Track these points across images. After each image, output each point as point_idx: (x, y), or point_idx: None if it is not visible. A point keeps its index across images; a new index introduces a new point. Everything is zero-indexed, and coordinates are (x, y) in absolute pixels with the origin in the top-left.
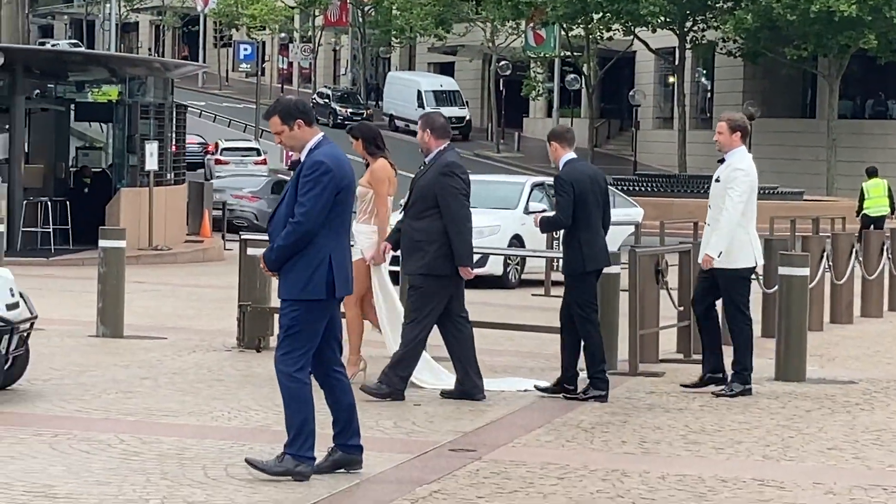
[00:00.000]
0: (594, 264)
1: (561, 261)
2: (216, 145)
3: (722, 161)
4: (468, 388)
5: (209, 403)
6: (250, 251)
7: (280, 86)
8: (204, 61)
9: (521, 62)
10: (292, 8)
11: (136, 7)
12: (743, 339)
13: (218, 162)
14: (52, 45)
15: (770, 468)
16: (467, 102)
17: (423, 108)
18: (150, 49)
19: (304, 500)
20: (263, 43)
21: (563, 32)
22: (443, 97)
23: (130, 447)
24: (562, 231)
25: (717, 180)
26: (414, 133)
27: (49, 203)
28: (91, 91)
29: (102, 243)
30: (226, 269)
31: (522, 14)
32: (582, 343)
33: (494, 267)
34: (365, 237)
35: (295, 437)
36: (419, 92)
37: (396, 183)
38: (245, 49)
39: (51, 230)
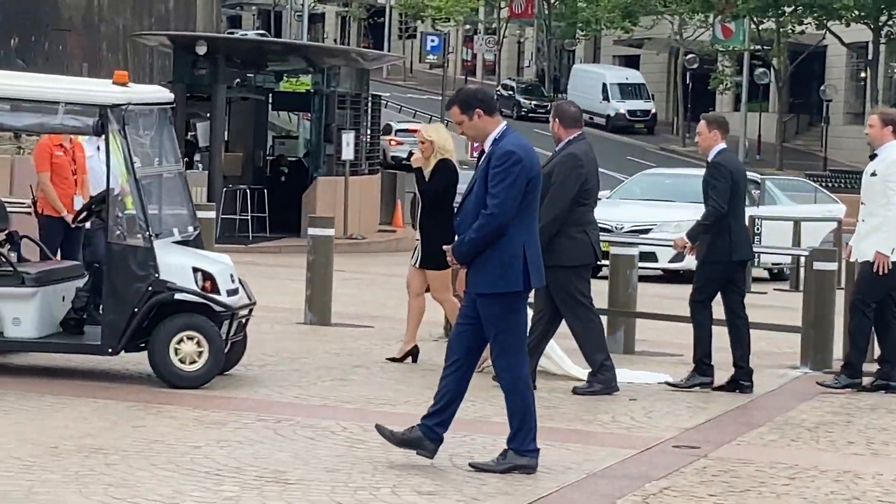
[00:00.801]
0: (740, 254)
1: (701, 245)
2: (388, 126)
3: (874, 156)
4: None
5: (423, 393)
6: None
7: (464, 77)
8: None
9: (708, 55)
10: (477, 0)
11: None
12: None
13: (393, 143)
14: (241, 35)
15: None
16: (653, 96)
17: (609, 101)
18: (335, 40)
19: (533, 493)
20: (448, 35)
21: (752, 26)
22: (628, 90)
23: (354, 435)
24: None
25: (874, 174)
26: (597, 126)
27: (248, 191)
28: (287, 80)
29: (312, 231)
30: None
31: (712, 7)
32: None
33: (692, 261)
34: None
35: (517, 432)
36: (604, 85)
37: None
38: (432, 40)
39: (249, 218)
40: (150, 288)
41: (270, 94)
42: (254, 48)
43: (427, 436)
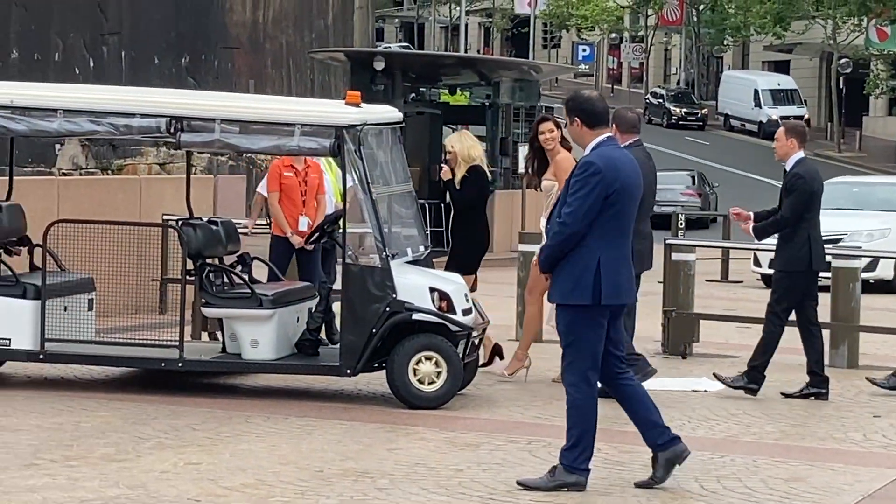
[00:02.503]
0: (818, 264)
1: (778, 256)
2: None
3: None
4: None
5: (665, 412)
6: (675, 256)
7: (610, 86)
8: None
9: (862, 59)
10: (623, 7)
11: (466, 10)
12: None
13: None
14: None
15: None
16: (805, 101)
17: (760, 107)
18: (478, 51)
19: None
20: (596, 44)
21: None
22: (780, 96)
23: (610, 456)
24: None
25: None
26: (749, 133)
27: (426, 205)
28: (441, 93)
29: (522, 247)
30: None
31: (869, 10)
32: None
33: (884, 271)
34: None
35: (572, 448)
36: (756, 91)
37: None
38: (583, 50)
39: (427, 232)
40: (387, 308)
41: (443, 108)
42: (429, 62)
43: (670, 445)
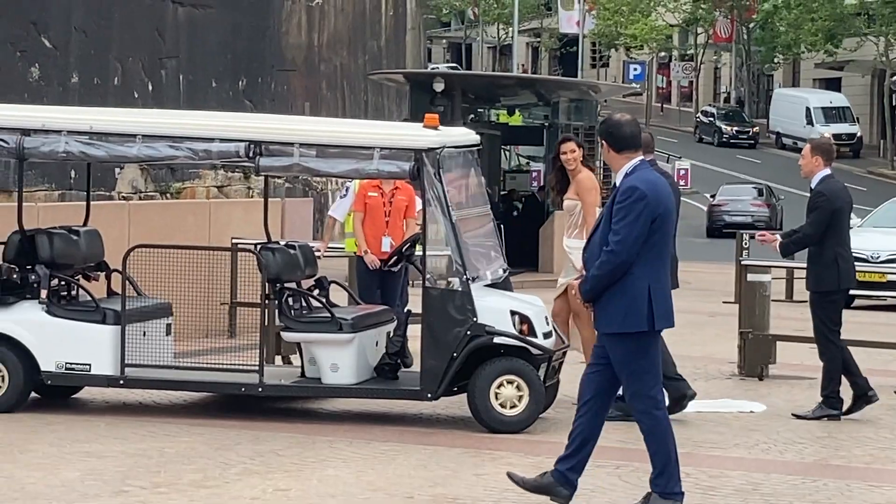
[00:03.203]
0: (847, 282)
1: (808, 277)
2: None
3: None
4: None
5: (749, 436)
6: (750, 277)
7: (659, 105)
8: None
9: None
10: (672, 26)
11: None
12: None
13: None
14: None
15: None
16: (857, 119)
17: (812, 125)
18: (525, 70)
19: None
20: (648, 63)
21: None
22: (832, 114)
23: (701, 481)
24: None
25: None
26: (801, 151)
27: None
28: (499, 114)
29: None
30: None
31: None
32: (824, 363)
33: None
34: (578, 253)
35: (660, 475)
36: (808, 109)
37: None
38: (635, 69)
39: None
40: (468, 332)
41: (501, 129)
42: (488, 83)
43: (559, 481)
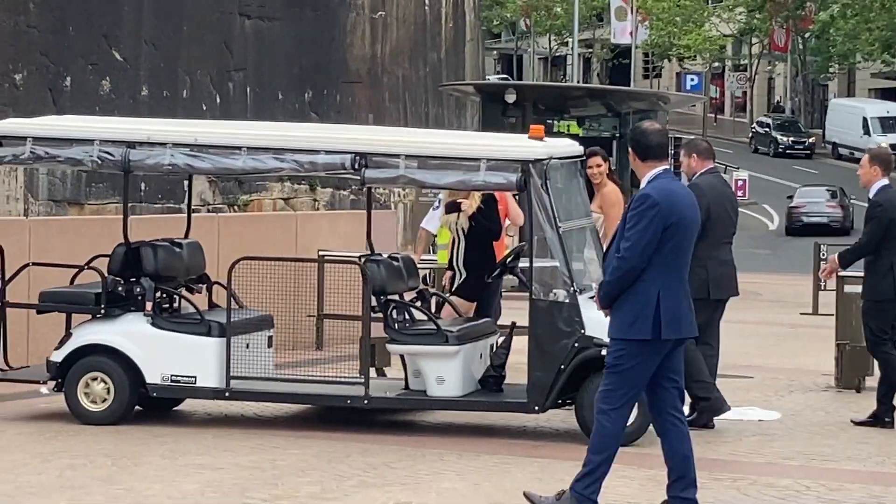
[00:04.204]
0: None
1: (864, 286)
2: None
3: None
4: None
5: (860, 448)
6: (847, 288)
7: (713, 115)
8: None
9: None
10: (727, 36)
11: (565, 41)
12: None
13: None
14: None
15: None
16: None
17: (869, 135)
18: (577, 81)
19: None
20: (702, 74)
21: None
22: (889, 123)
23: (822, 494)
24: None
25: None
26: (858, 161)
27: None
28: (569, 125)
29: None
30: (749, 304)
31: None
32: (882, 371)
33: None
34: None
35: (585, 475)
36: (865, 119)
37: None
38: (692, 79)
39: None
40: (576, 344)
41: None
42: (559, 94)
43: None
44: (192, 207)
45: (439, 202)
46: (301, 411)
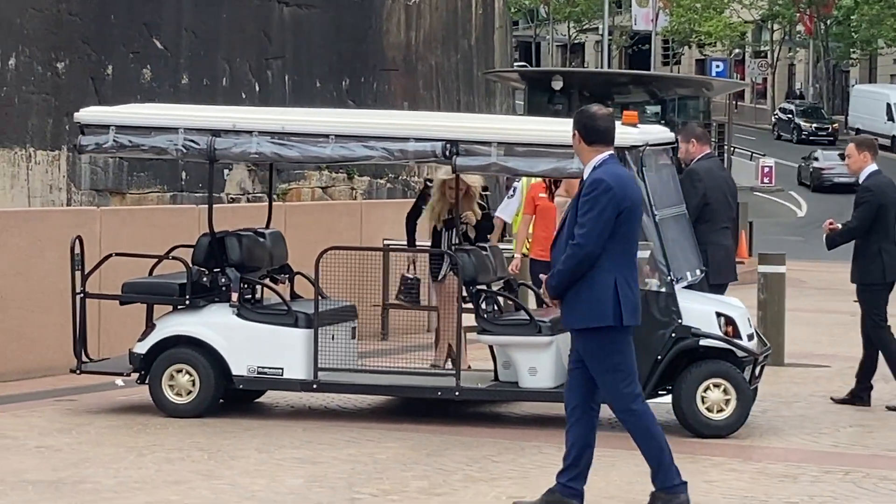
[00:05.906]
0: (892, 275)
1: (853, 270)
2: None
3: None
4: None
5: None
6: None
7: (734, 101)
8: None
9: None
10: (748, 23)
11: (584, 28)
12: None
13: None
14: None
15: None
16: None
17: (893, 121)
18: (595, 68)
19: None
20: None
21: None
22: None
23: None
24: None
25: None
26: (882, 147)
27: None
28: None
29: (762, 269)
30: (800, 292)
31: None
32: (881, 354)
33: None
34: None
35: (657, 470)
36: (889, 105)
37: None
38: (717, 66)
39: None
40: (673, 334)
41: None
42: (604, 81)
43: (565, 494)
44: (232, 197)
45: (514, 191)
46: (383, 402)
